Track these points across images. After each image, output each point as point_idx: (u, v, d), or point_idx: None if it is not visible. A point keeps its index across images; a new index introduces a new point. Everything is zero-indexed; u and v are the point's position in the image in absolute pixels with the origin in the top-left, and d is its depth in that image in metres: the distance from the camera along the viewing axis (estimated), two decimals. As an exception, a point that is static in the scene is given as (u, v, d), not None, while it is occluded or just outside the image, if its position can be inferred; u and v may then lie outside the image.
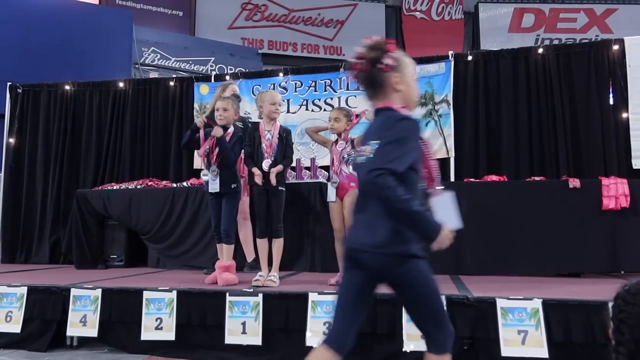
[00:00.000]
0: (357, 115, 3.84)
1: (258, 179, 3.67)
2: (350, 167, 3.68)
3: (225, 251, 3.82)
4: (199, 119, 3.91)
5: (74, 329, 3.34)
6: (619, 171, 4.68)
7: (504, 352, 2.75)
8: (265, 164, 3.69)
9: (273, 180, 3.66)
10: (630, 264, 4.13)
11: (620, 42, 5.03)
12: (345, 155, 3.72)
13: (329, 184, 3.78)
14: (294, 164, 4.55)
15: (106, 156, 6.14)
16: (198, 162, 5.90)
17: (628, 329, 1.15)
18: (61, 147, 6.18)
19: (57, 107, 6.28)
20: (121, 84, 6.27)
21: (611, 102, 4.96)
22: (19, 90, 6.34)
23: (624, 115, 4.89)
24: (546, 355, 2.70)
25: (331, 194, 3.74)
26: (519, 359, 2.75)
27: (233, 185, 3.81)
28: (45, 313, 3.44)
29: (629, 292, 1.19)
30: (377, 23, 13.03)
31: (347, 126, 3.76)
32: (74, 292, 3.39)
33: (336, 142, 3.81)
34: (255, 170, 3.71)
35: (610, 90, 4.98)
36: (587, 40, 7.72)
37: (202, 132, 3.85)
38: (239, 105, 4.03)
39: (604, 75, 5.02)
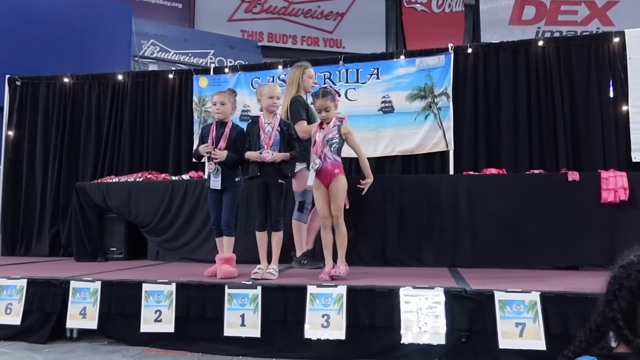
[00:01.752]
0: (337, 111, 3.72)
1: (261, 158, 3.59)
2: (334, 152, 3.60)
3: (225, 244, 3.83)
4: (204, 149, 3.82)
5: (73, 321, 3.35)
6: (618, 164, 4.68)
7: (502, 345, 2.76)
8: (267, 154, 3.61)
9: (272, 156, 3.60)
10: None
11: (621, 34, 5.00)
12: (330, 139, 3.58)
13: (310, 167, 3.61)
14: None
15: (105, 149, 6.14)
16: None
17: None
18: (60, 139, 6.18)
19: (56, 99, 6.27)
20: (120, 77, 6.26)
21: (611, 94, 4.94)
22: (18, 83, 6.33)
23: (624, 108, 4.88)
24: (544, 348, 2.71)
25: (310, 178, 3.58)
26: (517, 351, 2.76)
27: (237, 179, 3.81)
28: (45, 305, 3.44)
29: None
30: (377, 15, 12.97)
31: (336, 109, 3.67)
32: (73, 284, 3.40)
33: (321, 124, 3.67)
34: (251, 153, 3.63)
35: (611, 83, 4.96)
36: (588, 33, 7.68)
37: (213, 132, 3.86)
38: (235, 99, 4.02)
39: (604, 67, 5.01)
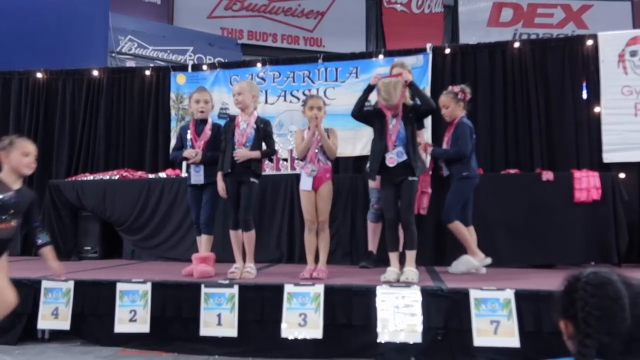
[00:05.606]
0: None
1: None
2: (325, 156, 3.62)
3: (203, 242, 3.81)
4: (191, 153, 3.80)
5: (45, 322, 3.29)
6: (590, 164, 4.77)
7: (477, 342, 2.80)
8: (236, 153, 3.57)
9: (242, 155, 3.56)
10: (601, 256, 4.23)
11: (594, 37, 5.10)
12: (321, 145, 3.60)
13: (303, 171, 3.61)
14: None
15: (80, 146, 6.02)
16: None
17: (597, 321, 1.16)
18: (33, 136, 6.01)
19: (29, 95, 6.12)
20: (95, 73, 6.14)
21: (584, 96, 5.04)
22: (-11, 78, 6.17)
23: (596, 109, 4.98)
24: (517, 345, 2.75)
25: (307, 183, 3.58)
26: (491, 349, 2.80)
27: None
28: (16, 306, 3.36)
29: (588, 284, 1.19)
30: (357, 15, 12.98)
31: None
32: (45, 284, 3.33)
33: (308, 129, 3.67)
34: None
35: (584, 84, 5.06)
36: (563, 36, 7.82)
37: (192, 128, 3.85)
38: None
39: (577, 70, 5.10)
